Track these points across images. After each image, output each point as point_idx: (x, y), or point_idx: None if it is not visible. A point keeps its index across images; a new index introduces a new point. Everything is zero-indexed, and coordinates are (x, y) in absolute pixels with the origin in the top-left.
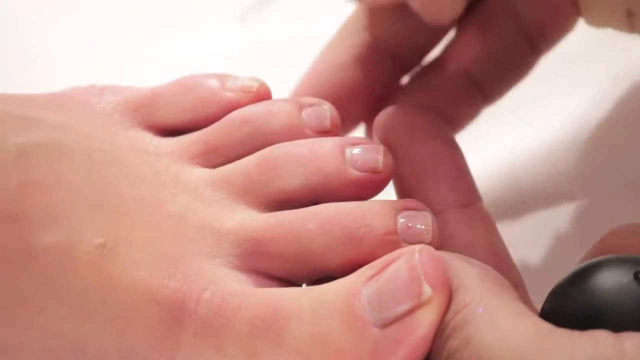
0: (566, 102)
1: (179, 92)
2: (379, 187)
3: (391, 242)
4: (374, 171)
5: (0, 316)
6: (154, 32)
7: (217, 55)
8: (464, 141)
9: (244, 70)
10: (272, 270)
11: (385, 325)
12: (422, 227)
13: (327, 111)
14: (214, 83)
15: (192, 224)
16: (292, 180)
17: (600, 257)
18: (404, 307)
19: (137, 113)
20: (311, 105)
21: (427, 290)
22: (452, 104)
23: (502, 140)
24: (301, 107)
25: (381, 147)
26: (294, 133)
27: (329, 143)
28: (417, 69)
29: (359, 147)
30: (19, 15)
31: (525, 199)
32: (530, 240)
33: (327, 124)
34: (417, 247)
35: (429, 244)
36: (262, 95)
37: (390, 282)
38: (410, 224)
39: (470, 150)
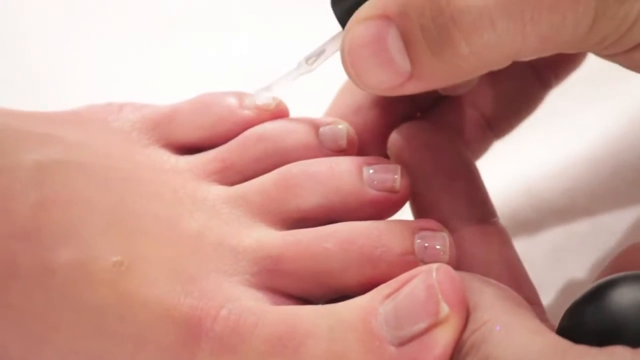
0: (583, 117)
1: (197, 110)
2: (396, 207)
3: (408, 262)
4: (391, 190)
5: (17, 333)
6: (168, 45)
7: (232, 68)
8: (481, 158)
9: (257, 84)
10: (288, 289)
11: (402, 343)
12: (439, 247)
13: (343, 130)
14: (231, 101)
15: (209, 242)
16: (309, 199)
17: (617, 274)
18: (421, 325)
19: (154, 131)
20: (328, 124)
21: (444, 308)
22: (464, 141)
23: (518, 156)
24: (318, 126)
25: (398, 167)
26: (310, 151)
27: (347, 162)
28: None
29: (376, 167)
30: (28, 29)
31: (542, 215)
32: (547, 256)
33: (343, 143)
34: (435, 265)
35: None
36: (280, 113)
37: (407, 300)
38: (427, 245)
39: (486, 166)
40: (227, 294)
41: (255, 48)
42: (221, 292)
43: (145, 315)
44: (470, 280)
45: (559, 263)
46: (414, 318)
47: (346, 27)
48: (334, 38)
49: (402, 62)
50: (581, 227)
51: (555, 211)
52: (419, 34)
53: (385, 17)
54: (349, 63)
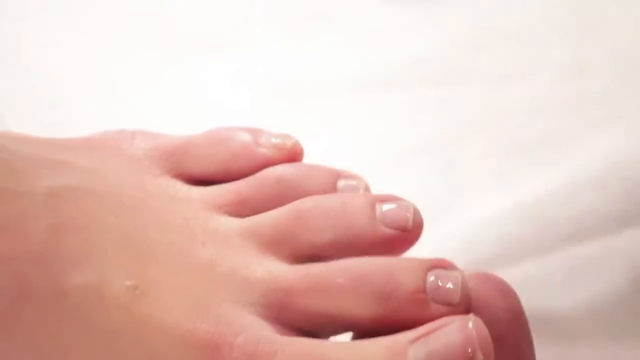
0: (595, 138)
1: (212, 144)
2: (408, 245)
3: (419, 300)
4: (404, 229)
5: (27, 354)
6: (180, 70)
7: (244, 95)
8: (491, 181)
9: (270, 109)
10: (298, 322)
11: None
12: (451, 286)
13: (362, 184)
14: (247, 137)
15: (220, 272)
16: (322, 234)
17: None
18: None
19: (167, 162)
20: (346, 177)
21: (480, 358)
22: None
23: (530, 178)
24: (338, 177)
25: (411, 206)
26: None
27: (360, 199)
28: None
29: (389, 204)
30: (39, 55)
31: (554, 239)
32: (559, 279)
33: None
34: (469, 316)
35: (458, 304)
36: (295, 153)
37: (443, 346)
38: (439, 283)
39: (498, 189)
40: (241, 322)
41: (268, 69)
42: (236, 320)
43: (160, 339)
44: None
45: (571, 286)
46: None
47: None
48: None
49: None
50: (594, 251)
51: (568, 234)
52: None
53: None
54: None
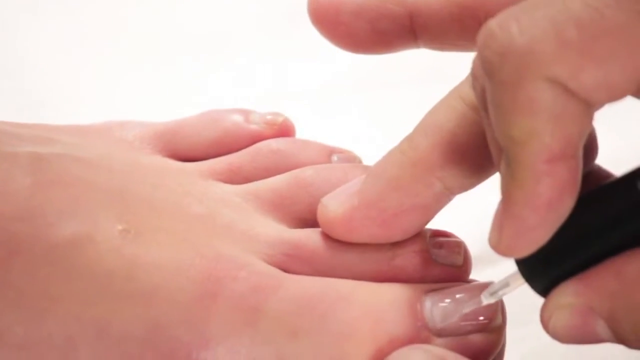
0: (604, 135)
1: (203, 124)
2: None
3: (424, 259)
4: None
5: (20, 310)
6: (173, 70)
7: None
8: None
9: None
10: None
11: (442, 335)
12: (454, 248)
13: (355, 159)
14: (238, 116)
15: (220, 224)
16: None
17: None
18: (469, 324)
19: (159, 142)
20: (340, 152)
21: (499, 319)
22: None
23: None
24: (331, 152)
25: None
26: None
27: (361, 168)
28: None
29: None
30: (27, 53)
31: None
32: None
33: None
34: (487, 282)
35: (461, 266)
36: (286, 128)
37: (461, 298)
38: (442, 246)
39: (490, 184)
40: (244, 260)
41: (263, 73)
42: (238, 257)
43: (156, 274)
44: None
45: None
46: (465, 316)
47: (544, 311)
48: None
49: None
50: None
51: None
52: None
53: (591, 310)
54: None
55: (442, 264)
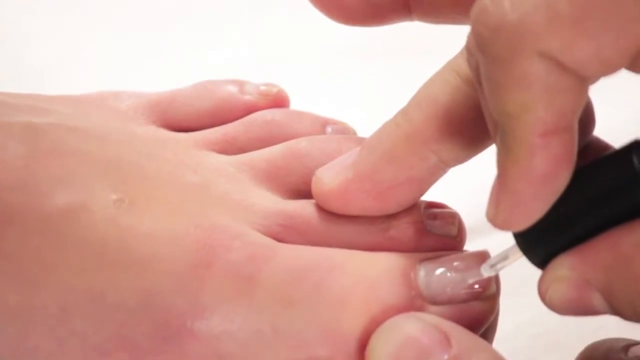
0: (602, 110)
1: (197, 94)
2: None
3: (418, 229)
4: None
5: (14, 280)
6: (168, 38)
7: (228, 63)
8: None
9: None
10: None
11: (437, 303)
12: (448, 219)
13: (349, 130)
14: (232, 87)
15: (215, 193)
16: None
17: None
18: (464, 292)
19: (152, 111)
20: (334, 123)
21: (493, 287)
22: None
23: None
24: (325, 123)
25: None
26: None
27: (356, 140)
28: None
29: None
30: (23, 21)
31: None
32: None
33: None
34: (481, 250)
35: (456, 236)
36: (280, 99)
37: (456, 267)
38: (436, 217)
39: (486, 155)
40: (239, 230)
41: (257, 42)
42: (232, 227)
43: (150, 244)
44: None
45: None
46: (458, 284)
47: (541, 283)
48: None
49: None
50: None
51: None
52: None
53: (587, 283)
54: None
55: (437, 234)
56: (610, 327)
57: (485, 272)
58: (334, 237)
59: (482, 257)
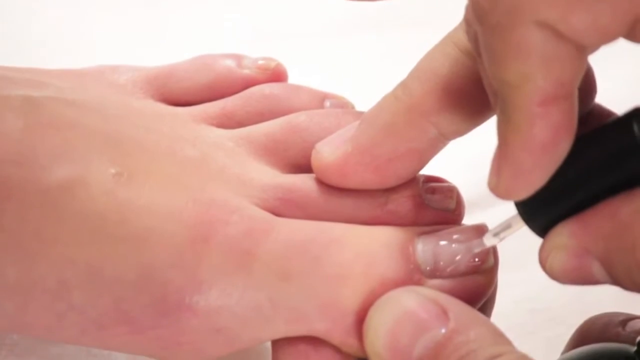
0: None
1: (196, 68)
2: None
3: (416, 203)
4: None
5: (12, 254)
6: (167, 13)
7: (227, 36)
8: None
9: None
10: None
11: (435, 277)
12: (447, 193)
13: (347, 104)
14: (230, 61)
15: (214, 167)
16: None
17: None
18: (462, 265)
19: (150, 85)
20: (334, 97)
21: (491, 260)
22: None
23: None
24: (324, 97)
25: None
26: None
27: (354, 114)
28: None
29: None
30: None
31: None
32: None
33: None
34: (479, 223)
35: (454, 209)
36: (279, 74)
37: (455, 239)
38: (435, 190)
39: (485, 130)
40: (237, 204)
41: (252, 18)
42: (231, 202)
43: (149, 218)
44: None
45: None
46: (457, 258)
47: (541, 251)
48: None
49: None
50: None
51: None
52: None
53: (586, 251)
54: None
55: (435, 208)
56: (607, 302)
57: (488, 241)
58: (333, 210)
59: (480, 230)
